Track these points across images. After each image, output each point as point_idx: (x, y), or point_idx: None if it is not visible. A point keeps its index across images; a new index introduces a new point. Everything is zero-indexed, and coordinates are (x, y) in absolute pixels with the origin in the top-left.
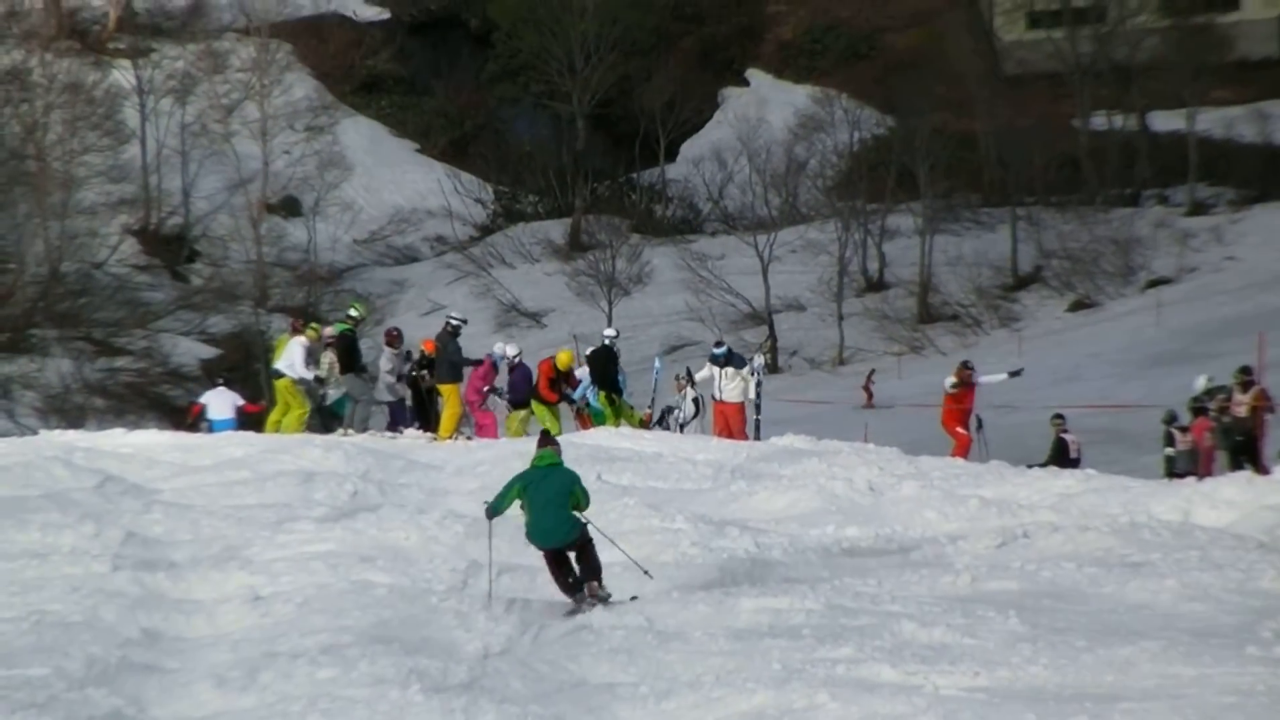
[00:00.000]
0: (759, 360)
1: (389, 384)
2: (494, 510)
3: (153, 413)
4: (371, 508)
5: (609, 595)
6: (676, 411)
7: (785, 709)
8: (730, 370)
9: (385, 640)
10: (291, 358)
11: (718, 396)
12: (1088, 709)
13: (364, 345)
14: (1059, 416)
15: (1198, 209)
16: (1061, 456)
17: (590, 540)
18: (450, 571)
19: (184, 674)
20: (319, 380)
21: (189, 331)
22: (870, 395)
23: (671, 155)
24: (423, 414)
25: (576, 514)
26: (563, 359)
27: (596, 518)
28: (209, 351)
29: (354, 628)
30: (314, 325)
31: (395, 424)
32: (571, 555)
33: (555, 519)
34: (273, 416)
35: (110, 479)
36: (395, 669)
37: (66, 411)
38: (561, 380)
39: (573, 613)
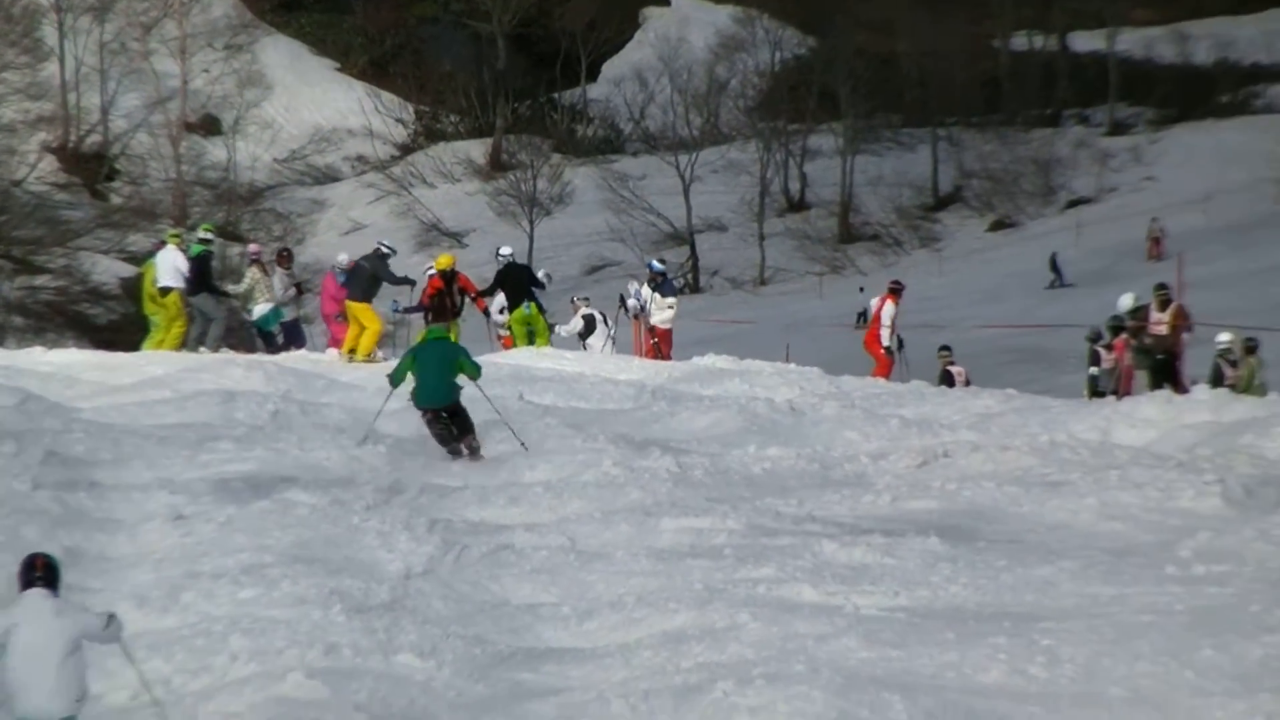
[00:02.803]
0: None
1: (284, 303)
2: (393, 380)
3: (72, 331)
4: (293, 427)
5: (479, 447)
6: (559, 328)
7: (707, 629)
8: (658, 296)
9: (307, 560)
10: (178, 265)
11: (650, 320)
12: (1006, 628)
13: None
14: (945, 348)
15: (1117, 129)
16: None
17: (463, 408)
18: (373, 491)
19: (106, 593)
20: (225, 293)
21: (108, 250)
22: (1158, 244)
23: (593, 75)
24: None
25: (458, 382)
26: (443, 261)
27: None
28: (128, 270)
29: (275, 548)
30: (175, 232)
31: (289, 343)
32: (447, 418)
33: (437, 382)
34: (155, 335)
35: (31, 398)
36: (317, 589)
37: None
38: (451, 287)
39: (452, 455)
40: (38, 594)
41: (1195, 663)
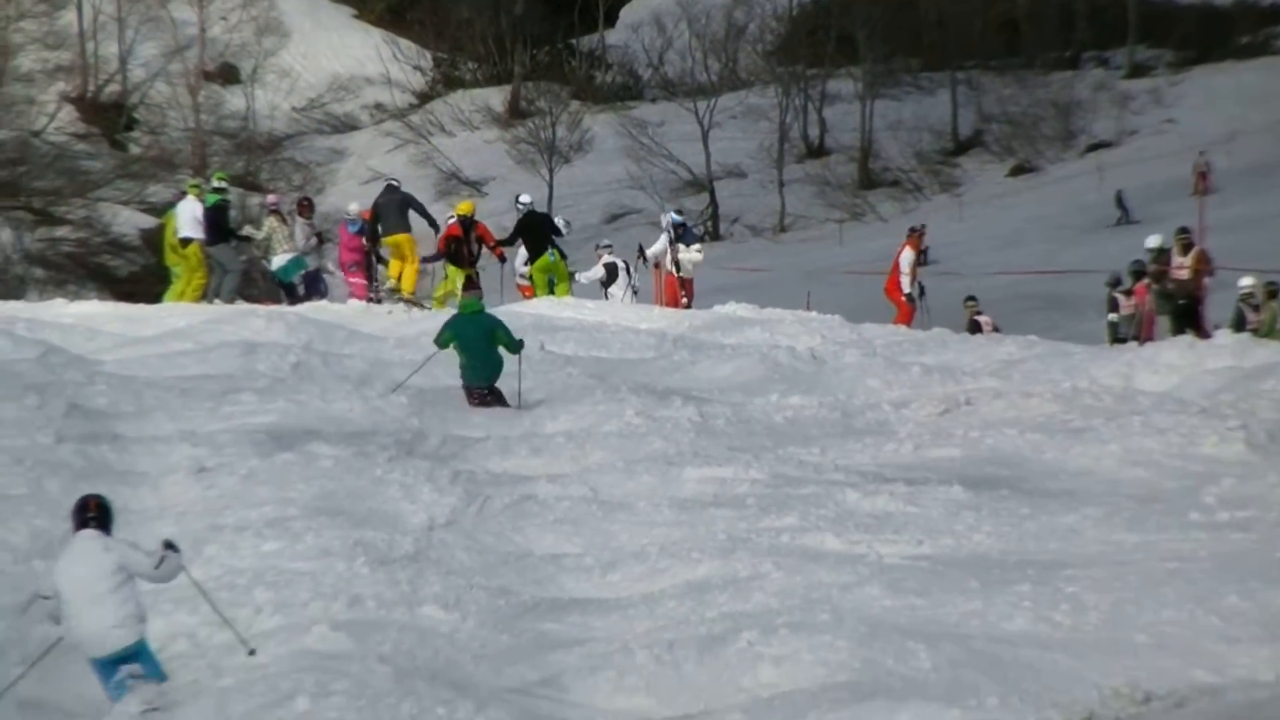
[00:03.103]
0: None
1: (306, 253)
2: (438, 344)
3: (93, 283)
4: (315, 379)
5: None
6: (579, 275)
7: (730, 578)
8: (681, 246)
9: (330, 512)
10: (197, 216)
11: (670, 269)
12: (1030, 576)
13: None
14: (972, 299)
15: (1137, 71)
16: None
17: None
18: (395, 443)
19: None
20: (245, 238)
21: (128, 201)
22: (1204, 179)
23: (611, 20)
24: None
25: (501, 353)
26: (463, 207)
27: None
28: (148, 221)
29: (299, 500)
30: (194, 183)
31: (310, 294)
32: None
33: (484, 360)
34: (176, 287)
35: (52, 350)
36: (341, 541)
37: (6, 282)
38: (469, 235)
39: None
40: (87, 534)
41: (1220, 609)
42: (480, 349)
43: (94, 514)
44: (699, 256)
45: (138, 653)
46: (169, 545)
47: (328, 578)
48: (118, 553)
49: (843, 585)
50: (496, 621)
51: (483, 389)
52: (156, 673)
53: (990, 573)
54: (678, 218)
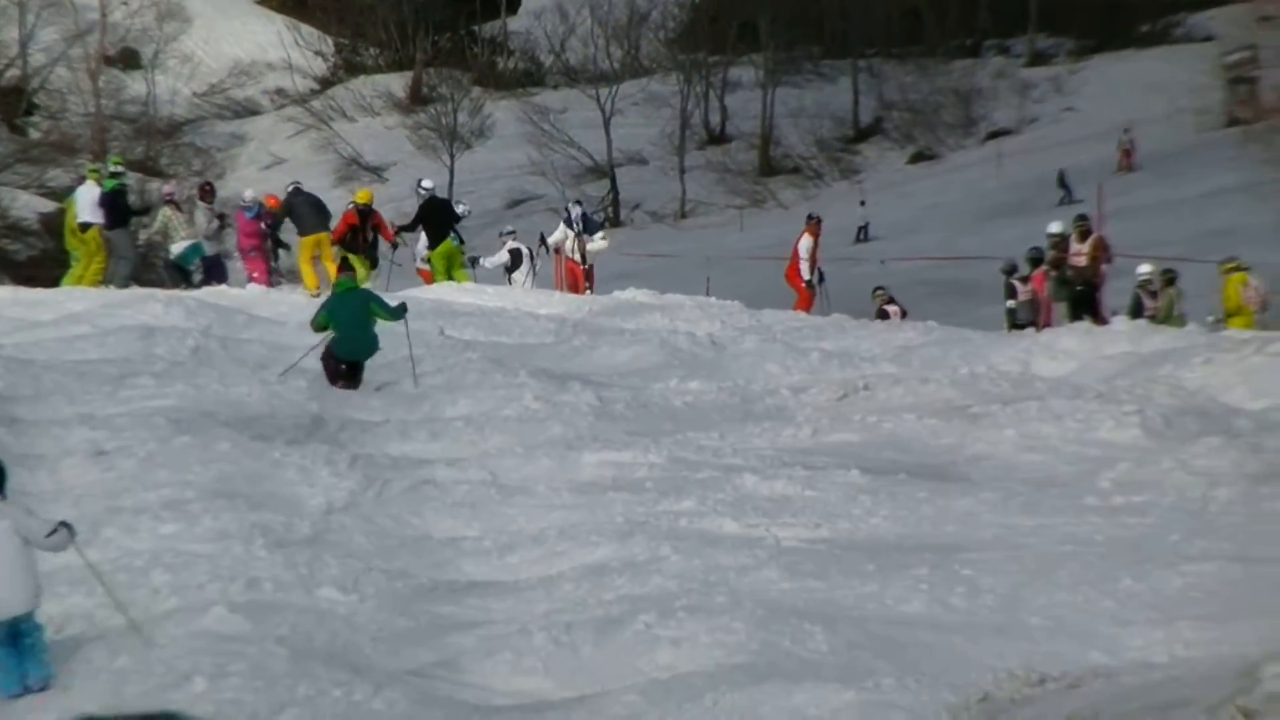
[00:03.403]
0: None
1: (209, 237)
2: (315, 328)
3: None
4: (214, 363)
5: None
6: (483, 259)
7: (628, 562)
8: (586, 236)
9: (228, 495)
10: (95, 203)
11: (571, 256)
12: (928, 560)
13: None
14: (880, 288)
15: (1037, 59)
16: None
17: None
18: (294, 426)
19: None
20: (142, 212)
21: (27, 185)
22: (1128, 156)
23: (513, 7)
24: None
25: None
26: (362, 195)
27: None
28: (48, 205)
29: (197, 483)
30: (94, 168)
31: (210, 279)
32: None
33: (359, 335)
34: (75, 270)
35: None
36: (238, 524)
37: None
38: (366, 224)
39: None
40: None
41: (1115, 592)
42: (357, 324)
43: None
44: (605, 245)
45: (31, 622)
46: (65, 526)
47: (225, 560)
48: (11, 518)
49: (740, 568)
50: (394, 604)
51: (356, 363)
52: (44, 659)
53: (887, 556)
54: (577, 209)
